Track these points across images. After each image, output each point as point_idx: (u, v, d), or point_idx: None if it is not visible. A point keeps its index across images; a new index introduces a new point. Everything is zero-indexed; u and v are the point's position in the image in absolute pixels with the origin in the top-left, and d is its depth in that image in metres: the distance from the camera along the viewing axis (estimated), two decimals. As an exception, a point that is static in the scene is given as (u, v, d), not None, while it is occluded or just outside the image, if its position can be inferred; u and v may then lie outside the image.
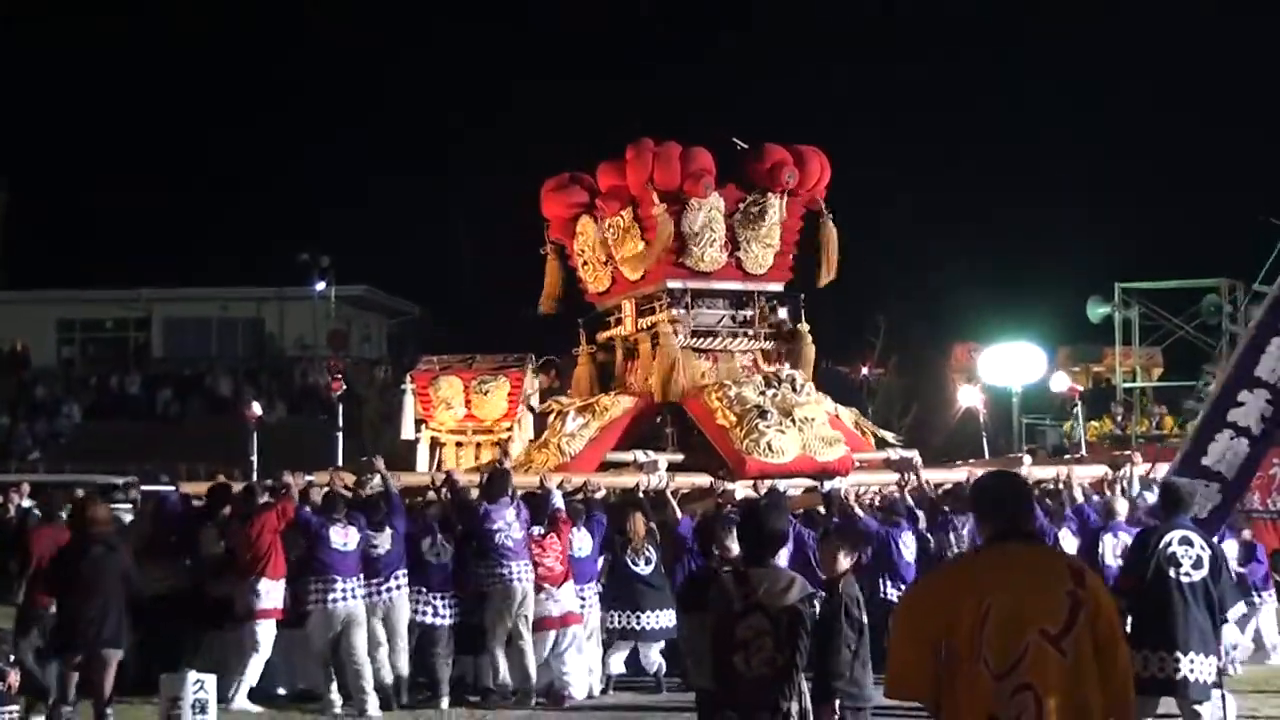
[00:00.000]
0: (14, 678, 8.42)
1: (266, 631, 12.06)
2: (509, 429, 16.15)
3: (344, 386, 16.86)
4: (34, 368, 43.23)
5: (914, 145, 54.77)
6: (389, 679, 12.06)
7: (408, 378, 17.26)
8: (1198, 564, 8.28)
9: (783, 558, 11.41)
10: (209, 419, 36.98)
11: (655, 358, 15.54)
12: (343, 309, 45.51)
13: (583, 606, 12.72)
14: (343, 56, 61.46)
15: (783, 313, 16.45)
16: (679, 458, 14.62)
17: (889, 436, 16.37)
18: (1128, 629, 8.06)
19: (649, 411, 15.53)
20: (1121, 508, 11.79)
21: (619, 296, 16.51)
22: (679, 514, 13.24)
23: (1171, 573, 8.26)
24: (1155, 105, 51.38)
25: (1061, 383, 19.83)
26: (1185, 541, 8.34)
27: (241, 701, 11.85)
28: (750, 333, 16.05)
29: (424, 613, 12.32)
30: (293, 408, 37.89)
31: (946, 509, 13.34)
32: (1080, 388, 18.09)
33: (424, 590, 12.34)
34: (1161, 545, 8.32)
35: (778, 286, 16.29)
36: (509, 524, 12.27)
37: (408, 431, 16.79)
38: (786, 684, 6.21)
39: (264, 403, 38.20)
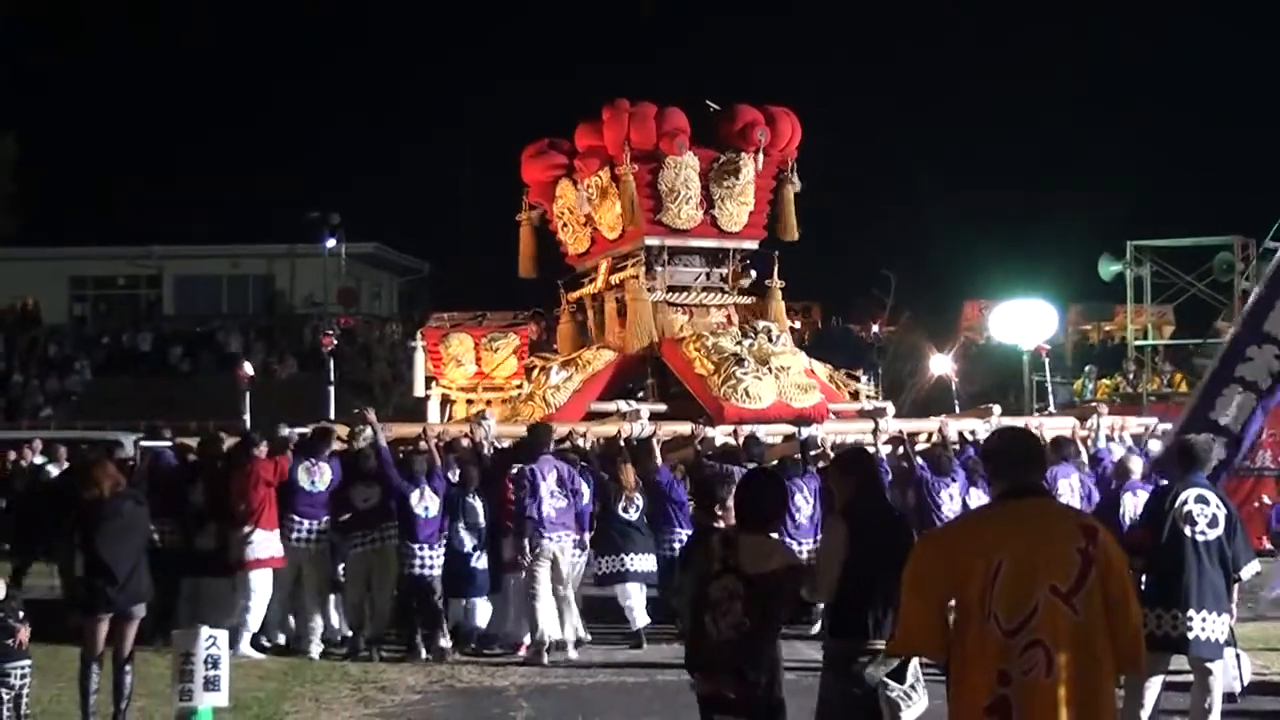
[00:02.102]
0: (24, 634, 8.43)
1: (263, 580, 12.37)
2: (519, 386, 16.21)
3: (334, 342, 17.01)
4: (46, 325, 43.33)
5: (927, 108, 54.76)
6: (356, 628, 12.60)
7: (418, 335, 17.36)
8: (1213, 522, 8.24)
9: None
10: (219, 375, 37.05)
11: (630, 312, 15.74)
12: (353, 266, 45.55)
13: (575, 551, 12.84)
14: (356, 25, 61.51)
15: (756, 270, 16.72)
16: (661, 407, 14.85)
17: (863, 389, 16.51)
18: (1141, 586, 8.05)
19: (630, 364, 15.76)
20: (1136, 466, 11.78)
21: (598, 256, 16.66)
22: (659, 462, 13.49)
23: (1187, 531, 8.22)
24: (1171, 67, 51.29)
25: (1030, 342, 19.83)
26: (1201, 500, 8.30)
27: (245, 648, 12.17)
28: (725, 289, 16.29)
29: (412, 565, 12.50)
30: (303, 364, 37.95)
31: (921, 464, 13.56)
32: (1048, 346, 18.18)
33: (411, 543, 12.51)
34: (1177, 503, 8.28)
35: (752, 244, 16.51)
36: (552, 493, 12.32)
37: (418, 389, 16.90)
38: (753, 651, 6.10)
39: (274, 359, 38.48)
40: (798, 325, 45.14)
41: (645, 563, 12.91)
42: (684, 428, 14.07)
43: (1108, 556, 4.99)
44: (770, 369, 14.68)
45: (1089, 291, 30.71)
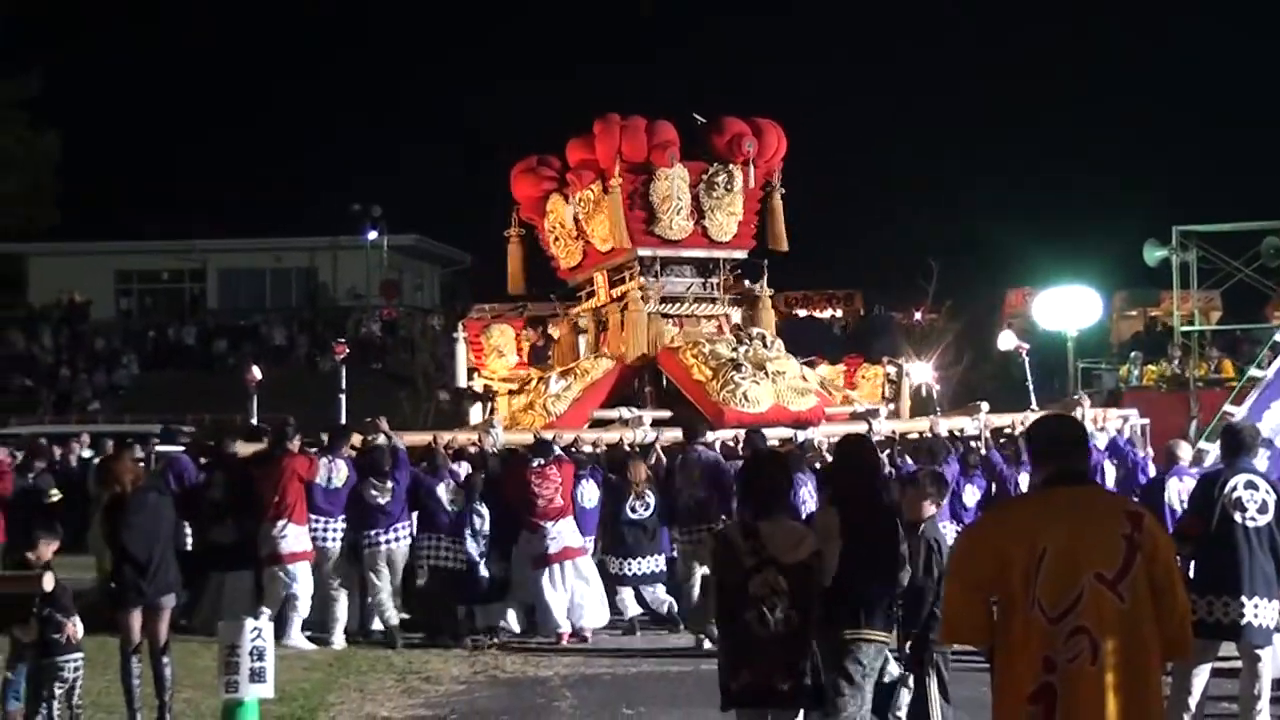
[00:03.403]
0: (71, 628, 8.50)
1: (304, 571, 12.53)
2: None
3: (347, 350, 17.30)
4: (93, 319, 43.67)
5: (968, 88, 54.56)
6: (394, 620, 12.72)
7: (460, 326, 17.45)
8: (1263, 508, 8.15)
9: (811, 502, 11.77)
10: (264, 369, 37.23)
11: (625, 322, 15.92)
12: (395, 258, 45.66)
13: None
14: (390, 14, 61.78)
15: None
16: (665, 414, 14.99)
17: (854, 394, 16.60)
18: (1190, 573, 7.98)
19: (629, 372, 15.89)
20: (1184, 452, 11.70)
21: (590, 269, 16.85)
22: (664, 461, 13.68)
23: (1237, 517, 8.13)
24: (1213, 45, 50.94)
25: (1009, 341, 19.72)
26: (1250, 485, 8.21)
27: (296, 638, 12.37)
28: (716, 298, 16.51)
29: (437, 557, 12.77)
30: (345, 357, 38.08)
31: (907, 459, 13.77)
32: (1027, 345, 18.15)
33: (436, 534, 12.75)
34: (1226, 490, 8.19)
35: (742, 254, 16.71)
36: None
37: (460, 380, 16.98)
38: (802, 642, 6.05)
39: (317, 352, 38.64)
40: (839, 313, 45.23)
41: (650, 564, 13.17)
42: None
43: (1153, 543, 4.94)
44: (767, 373, 14.91)
45: (1134, 278, 30.48)
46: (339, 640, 12.61)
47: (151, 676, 9.12)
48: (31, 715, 8.42)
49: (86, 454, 22.84)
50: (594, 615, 12.90)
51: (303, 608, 12.55)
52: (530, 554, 12.75)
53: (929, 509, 7.89)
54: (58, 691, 8.38)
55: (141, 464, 13.34)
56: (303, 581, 12.51)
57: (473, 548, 12.81)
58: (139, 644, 9.09)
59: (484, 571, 12.87)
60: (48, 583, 8.45)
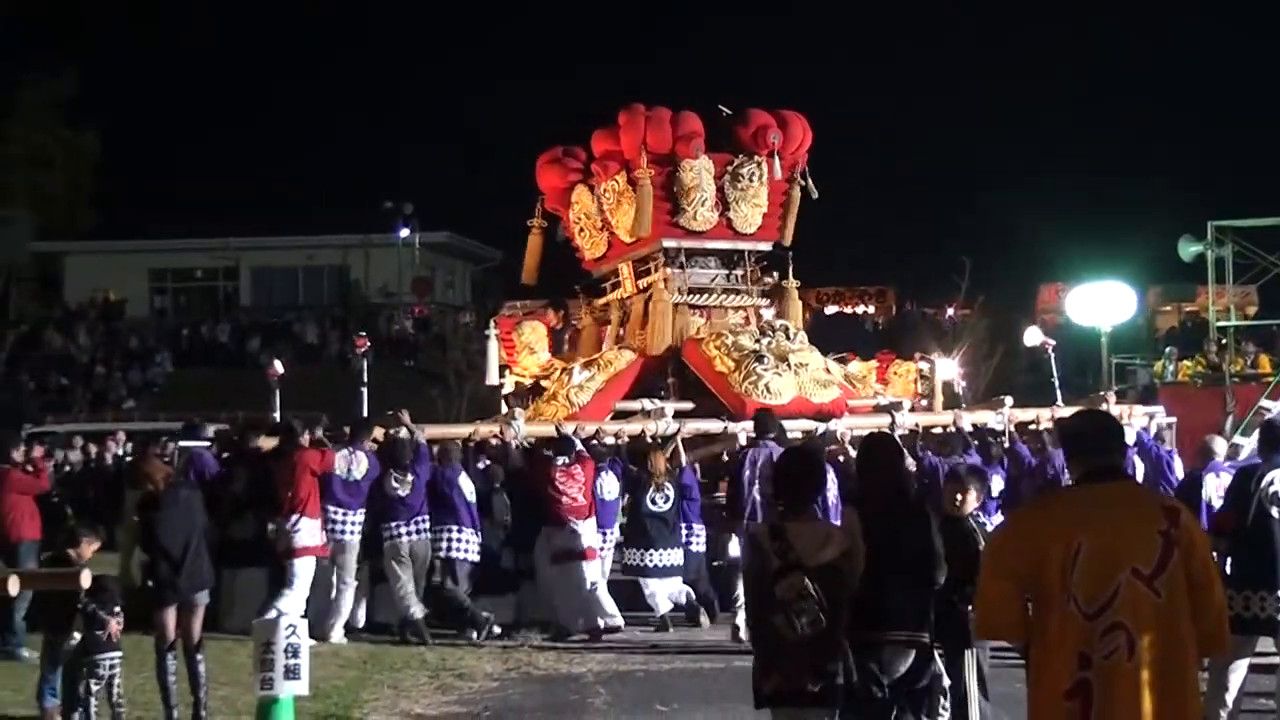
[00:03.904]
0: (114, 625, 8.55)
1: (306, 567, 12.51)
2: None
3: (367, 344, 17.33)
4: (128, 318, 43.95)
5: (968, 88, 54.50)
6: (418, 614, 12.69)
7: (491, 323, 17.48)
8: (1300, 503, 8.10)
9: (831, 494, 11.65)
10: (296, 366, 37.38)
11: (650, 313, 15.93)
12: (426, 256, 45.75)
13: (603, 546, 13.23)
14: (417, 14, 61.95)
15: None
16: (688, 405, 15.02)
17: (879, 388, 16.56)
18: (1227, 569, 7.93)
19: (652, 364, 15.92)
20: (1220, 448, 11.61)
21: (615, 260, 16.85)
22: (683, 460, 13.73)
23: (1274, 512, 8.09)
24: (1213, 45, 50.73)
25: (1035, 336, 19.70)
26: (1287, 480, 8.16)
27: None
28: (741, 290, 16.50)
29: (455, 548, 12.81)
30: (378, 354, 38.18)
31: (930, 452, 13.82)
32: (1052, 341, 18.07)
33: (456, 525, 12.79)
34: (1263, 484, 8.15)
35: (767, 245, 16.71)
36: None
37: (492, 377, 16.99)
38: (832, 645, 6.03)
39: (350, 350, 38.77)
40: (871, 309, 45.13)
41: (670, 557, 13.14)
42: (708, 425, 14.28)
43: (1190, 538, 4.91)
44: (790, 365, 14.94)
45: (1169, 273, 30.33)
46: (338, 635, 12.61)
47: (186, 674, 9.16)
48: (68, 713, 8.48)
49: (121, 452, 23.04)
50: (614, 611, 12.91)
51: (287, 605, 12.24)
52: (553, 551, 12.80)
53: (971, 502, 7.92)
54: (94, 688, 8.43)
55: (166, 460, 13.46)
56: (303, 577, 12.47)
57: (493, 537, 12.92)
58: (174, 641, 9.13)
59: (503, 563, 13.00)
60: (85, 580, 8.50)
